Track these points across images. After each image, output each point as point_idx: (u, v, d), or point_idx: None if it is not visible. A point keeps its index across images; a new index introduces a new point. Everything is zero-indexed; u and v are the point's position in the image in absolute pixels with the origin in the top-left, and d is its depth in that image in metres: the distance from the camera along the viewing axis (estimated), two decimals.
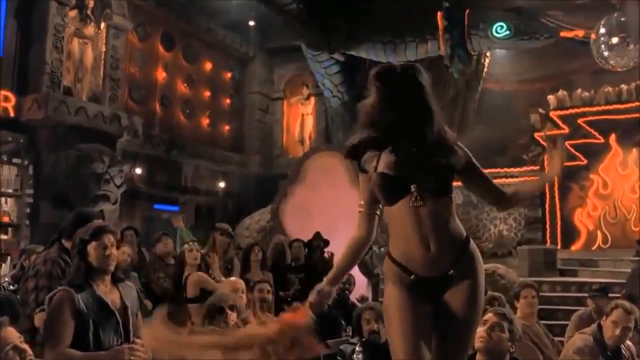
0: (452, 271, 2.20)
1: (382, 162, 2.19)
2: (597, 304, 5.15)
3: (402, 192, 2.17)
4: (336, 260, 2.49)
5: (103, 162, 8.29)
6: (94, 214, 4.27)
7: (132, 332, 3.02)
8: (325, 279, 2.33)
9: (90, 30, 8.88)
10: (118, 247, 3.23)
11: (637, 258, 9.32)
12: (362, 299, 6.72)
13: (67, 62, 8.99)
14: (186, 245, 5.16)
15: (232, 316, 3.54)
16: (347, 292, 6.30)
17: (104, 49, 9.31)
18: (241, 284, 4.41)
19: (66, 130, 8.37)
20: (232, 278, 4.70)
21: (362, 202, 2.33)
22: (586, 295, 9.12)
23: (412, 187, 2.15)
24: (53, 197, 8.15)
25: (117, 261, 3.06)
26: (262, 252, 6.36)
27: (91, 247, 2.95)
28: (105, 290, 2.99)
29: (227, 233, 5.78)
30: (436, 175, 2.17)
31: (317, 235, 7.60)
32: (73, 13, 8.74)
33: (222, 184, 12.51)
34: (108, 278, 3.02)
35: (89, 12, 8.77)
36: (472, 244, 2.30)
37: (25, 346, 2.60)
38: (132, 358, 2.87)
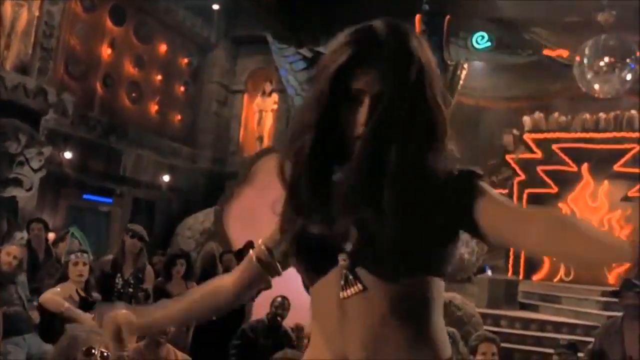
0: None
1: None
2: None
3: (325, 263, 1.15)
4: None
5: (18, 141, 7.17)
6: None
7: None
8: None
9: None
10: None
11: (604, 299, 8.84)
12: (298, 328, 5.75)
13: None
14: (72, 256, 4.11)
15: None
16: (279, 318, 5.36)
17: (37, 14, 8.17)
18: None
19: None
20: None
21: (261, 242, 1.41)
22: (547, 335, 8.60)
23: (339, 257, 1.12)
24: None
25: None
26: (186, 265, 5.53)
27: None
28: None
29: (140, 236, 4.84)
30: (406, 238, 1.08)
31: (250, 244, 6.54)
32: None
33: (166, 178, 11.43)
34: None
35: None
36: None
37: None
38: None
